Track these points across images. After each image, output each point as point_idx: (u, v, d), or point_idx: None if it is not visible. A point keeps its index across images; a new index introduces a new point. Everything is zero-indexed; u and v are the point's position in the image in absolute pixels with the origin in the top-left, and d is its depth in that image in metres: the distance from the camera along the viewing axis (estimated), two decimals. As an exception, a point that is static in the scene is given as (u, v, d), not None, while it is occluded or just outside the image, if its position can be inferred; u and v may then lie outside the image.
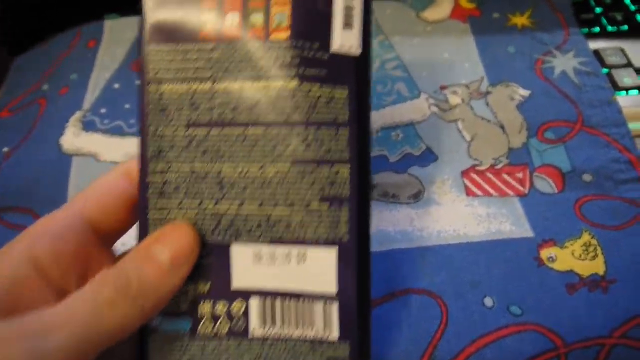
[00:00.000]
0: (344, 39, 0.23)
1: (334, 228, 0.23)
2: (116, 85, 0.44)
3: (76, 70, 0.45)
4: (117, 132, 0.41)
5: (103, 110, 0.42)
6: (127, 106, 0.42)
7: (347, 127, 0.23)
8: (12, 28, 0.51)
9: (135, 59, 0.45)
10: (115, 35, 0.48)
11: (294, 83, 0.23)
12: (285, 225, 0.23)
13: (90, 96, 0.43)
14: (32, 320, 0.20)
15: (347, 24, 0.23)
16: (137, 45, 0.24)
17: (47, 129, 0.42)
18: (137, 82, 0.24)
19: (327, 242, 0.23)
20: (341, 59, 0.23)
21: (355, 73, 0.24)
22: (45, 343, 0.19)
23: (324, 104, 0.23)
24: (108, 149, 0.40)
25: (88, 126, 0.41)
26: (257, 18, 0.23)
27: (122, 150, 0.40)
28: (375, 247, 0.34)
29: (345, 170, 0.23)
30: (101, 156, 0.40)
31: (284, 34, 0.23)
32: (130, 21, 0.48)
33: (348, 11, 0.23)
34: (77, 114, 0.42)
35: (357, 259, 0.24)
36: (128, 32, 0.48)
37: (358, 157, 0.24)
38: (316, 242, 0.23)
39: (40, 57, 0.48)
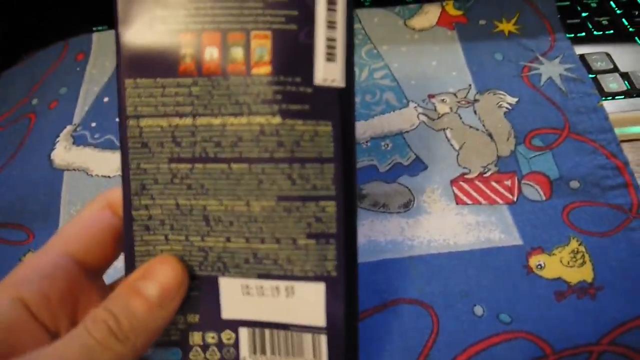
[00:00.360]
0: (327, 72, 0.23)
1: (322, 264, 0.23)
2: (106, 99, 0.44)
3: (65, 84, 0.45)
4: (108, 146, 0.41)
5: (93, 124, 0.42)
6: (117, 120, 0.42)
7: (333, 163, 0.23)
8: None
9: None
10: (104, 47, 0.48)
11: (277, 119, 0.23)
12: (272, 261, 0.23)
13: (80, 110, 0.43)
14: None
15: (330, 57, 0.23)
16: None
17: (37, 143, 0.42)
18: (117, 96, 0.24)
19: (315, 278, 0.23)
20: (324, 93, 0.23)
21: (339, 107, 0.23)
22: None
23: (308, 140, 0.23)
24: (99, 163, 0.40)
25: (79, 140, 0.41)
26: (237, 52, 0.23)
27: (114, 164, 0.40)
28: (366, 257, 0.34)
29: (331, 207, 0.23)
30: (93, 170, 0.40)
31: (265, 69, 0.22)
32: (119, 33, 0.48)
33: (330, 43, 0.23)
34: (68, 128, 0.42)
35: (345, 292, 0.24)
36: (117, 44, 0.48)
37: (344, 193, 0.23)
38: (304, 277, 0.23)
39: (28, 70, 0.48)
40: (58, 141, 0.42)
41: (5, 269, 0.35)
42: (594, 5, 0.49)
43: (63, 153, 0.41)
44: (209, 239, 0.24)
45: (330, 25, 0.23)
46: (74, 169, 0.40)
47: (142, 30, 0.23)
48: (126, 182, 0.24)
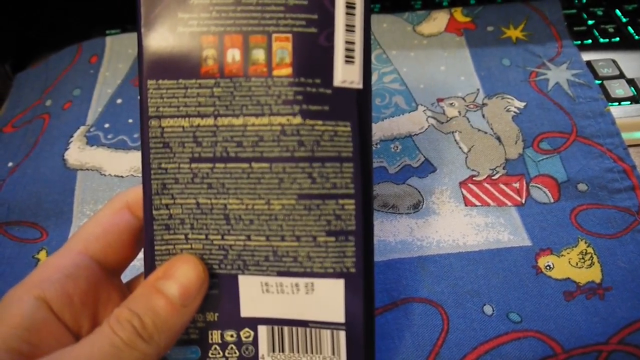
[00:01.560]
0: (346, 74, 0.24)
1: (341, 261, 0.24)
2: (119, 101, 0.44)
3: (79, 86, 0.46)
4: (121, 146, 0.41)
5: (107, 125, 0.43)
6: (130, 121, 0.43)
7: (351, 162, 0.24)
8: (14, 45, 0.51)
9: (137, 75, 0.46)
10: (117, 51, 0.48)
11: (298, 119, 0.23)
12: (292, 259, 0.24)
13: (94, 111, 0.44)
14: None
15: (349, 59, 0.24)
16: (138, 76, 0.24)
17: (51, 143, 0.42)
18: (139, 101, 0.24)
19: (335, 274, 0.24)
20: (343, 94, 0.24)
21: (357, 108, 0.24)
22: None
23: (328, 140, 0.23)
24: (112, 163, 0.41)
25: (92, 141, 0.42)
26: (259, 54, 0.23)
27: (127, 164, 0.40)
28: (376, 257, 0.34)
29: (350, 205, 0.24)
30: (106, 170, 0.40)
31: (286, 70, 0.23)
32: (132, 37, 0.49)
33: (349, 46, 0.24)
34: (81, 129, 0.43)
35: (364, 288, 0.24)
36: (129, 48, 0.48)
37: (362, 191, 0.24)
38: (324, 274, 0.24)
39: (42, 73, 0.49)
40: (72, 141, 0.42)
41: (19, 266, 0.36)
42: (600, 13, 0.50)
43: (76, 153, 0.41)
44: (229, 238, 0.24)
45: (349, 28, 0.24)
46: (87, 169, 0.40)
47: (165, 33, 0.23)
48: (147, 182, 0.24)
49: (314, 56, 0.23)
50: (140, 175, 0.38)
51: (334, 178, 0.24)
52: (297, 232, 0.24)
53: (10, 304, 0.22)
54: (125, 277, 0.28)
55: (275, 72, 0.23)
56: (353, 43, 0.24)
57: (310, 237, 0.24)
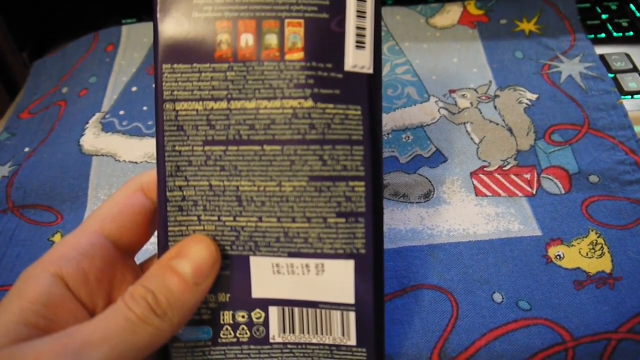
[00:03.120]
0: (357, 59, 0.24)
1: (351, 242, 0.24)
2: (134, 89, 0.45)
3: (95, 74, 0.47)
4: (136, 133, 0.42)
5: (122, 112, 0.43)
6: (145, 108, 0.43)
7: (362, 145, 0.24)
8: (31, 33, 0.52)
9: (152, 64, 0.46)
10: (133, 40, 0.49)
11: (309, 102, 0.24)
12: (303, 240, 0.24)
13: (109, 99, 0.45)
14: (72, 337, 0.20)
15: (360, 44, 0.24)
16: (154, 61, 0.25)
17: (67, 129, 0.43)
18: (154, 85, 0.25)
19: (345, 255, 0.24)
20: (354, 79, 0.24)
21: (367, 92, 0.24)
22: (87, 358, 0.20)
23: (339, 123, 0.24)
24: (127, 149, 0.41)
25: (107, 127, 0.43)
26: (272, 39, 0.24)
27: (141, 150, 0.41)
28: (386, 244, 0.35)
29: (360, 187, 0.24)
30: (120, 156, 0.41)
31: (298, 55, 0.23)
32: (147, 26, 0.50)
33: (360, 32, 0.24)
34: (97, 116, 0.43)
35: (374, 270, 0.24)
36: (145, 37, 0.49)
37: (372, 174, 0.24)
38: (334, 255, 0.24)
39: (59, 61, 0.49)
40: (87, 128, 0.43)
41: (34, 248, 0.36)
42: (614, 7, 0.50)
43: (92, 139, 0.42)
44: (241, 219, 0.24)
45: (360, 14, 0.24)
46: (102, 155, 0.41)
47: (180, 18, 0.24)
48: (161, 164, 0.25)
49: (325, 41, 0.24)
50: (154, 161, 0.39)
51: (345, 160, 0.24)
52: (308, 214, 0.24)
53: (28, 280, 0.23)
54: (138, 259, 0.28)
55: (288, 57, 0.24)
56: (364, 29, 0.24)
57: (321, 218, 0.24)
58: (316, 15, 0.24)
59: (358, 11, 0.24)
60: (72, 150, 0.41)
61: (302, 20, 0.24)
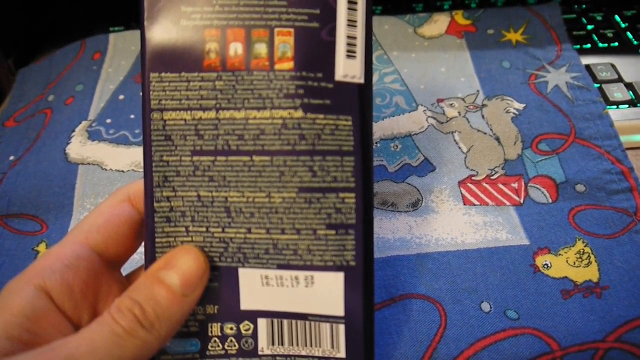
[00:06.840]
0: (348, 69, 0.24)
1: (341, 254, 0.24)
2: (121, 97, 0.45)
3: (81, 82, 0.46)
4: (123, 141, 0.42)
5: (108, 121, 0.43)
6: (132, 116, 0.43)
7: (352, 156, 0.24)
8: (18, 40, 0.52)
9: (140, 72, 0.46)
10: (120, 47, 0.49)
11: (299, 113, 0.23)
12: (292, 252, 0.24)
13: (96, 107, 0.44)
14: (56, 351, 0.20)
15: (350, 54, 0.24)
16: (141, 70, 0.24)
17: (53, 138, 0.42)
18: (141, 94, 0.24)
19: (335, 268, 0.24)
20: (345, 88, 0.24)
21: (358, 102, 0.24)
22: None
23: (329, 133, 0.24)
24: (113, 158, 0.41)
25: (94, 136, 0.42)
26: (261, 48, 0.23)
27: (128, 159, 0.40)
28: (374, 254, 0.34)
29: (351, 198, 0.24)
30: (107, 165, 0.40)
31: (288, 64, 0.23)
32: (135, 34, 0.49)
33: (351, 41, 0.24)
34: (83, 124, 0.43)
35: (364, 282, 0.24)
36: (132, 44, 0.49)
37: (363, 185, 0.24)
38: (324, 267, 0.24)
39: (45, 68, 0.49)
40: (73, 136, 0.42)
41: (18, 258, 0.36)
42: (599, 18, 0.50)
43: (78, 147, 0.42)
44: (230, 230, 0.24)
45: (351, 23, 0.24)
46: (88, 163, 0.41)
47: (168, 26, 0.24)
48: (148, 175, 0.24)
49: (315, 50, 0.24)
50: (141, 170, 0.39)
51: (335, 171, 0.24)
52: (298, 225, 0.24)
53: (11, 292, 0.22)
54: (125, 271, 0.28)
55: (277, 66, 0.23)
56: (355, 38, 0.24)
57: (311, 230, 0.24)
58: (306, 24, 0.23)
59: (349, 20, 0.24)
60: (58, 158, 0.41)
61: (292, 29, 0.23)
